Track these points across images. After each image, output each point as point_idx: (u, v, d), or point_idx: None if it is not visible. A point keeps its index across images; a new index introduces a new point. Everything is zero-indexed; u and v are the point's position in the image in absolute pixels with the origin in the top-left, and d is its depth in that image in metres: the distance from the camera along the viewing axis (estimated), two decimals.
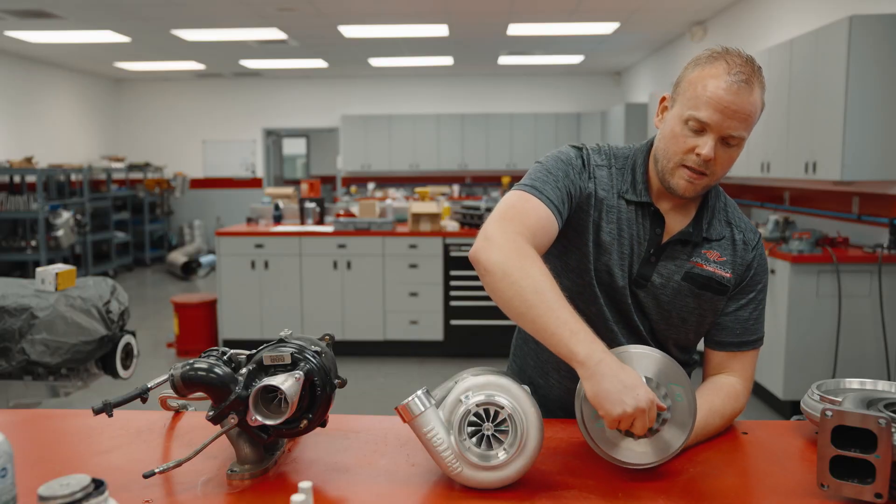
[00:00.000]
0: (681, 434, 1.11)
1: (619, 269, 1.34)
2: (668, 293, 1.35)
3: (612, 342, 1.35)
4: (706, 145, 1.22)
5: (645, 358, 1.12)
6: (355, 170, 11.16)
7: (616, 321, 1.37)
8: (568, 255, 1.37)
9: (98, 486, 0.82)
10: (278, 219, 6.10)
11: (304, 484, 0.95)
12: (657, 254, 1.34)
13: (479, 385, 1.08)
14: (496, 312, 5.43)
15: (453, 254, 5.38)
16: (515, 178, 10.82)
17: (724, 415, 1.30)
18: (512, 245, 1.16)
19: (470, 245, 5.25)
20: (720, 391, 1.33)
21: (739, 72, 1.20)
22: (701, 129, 1.23)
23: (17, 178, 8.67)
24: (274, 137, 12.86)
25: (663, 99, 1.33)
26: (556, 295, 1.12)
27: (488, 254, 1.16)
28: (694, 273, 1.34)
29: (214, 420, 1.07)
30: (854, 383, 1.34)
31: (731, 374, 1.38)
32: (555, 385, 1.45)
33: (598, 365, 1.06)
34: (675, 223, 1.36)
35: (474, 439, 1.06)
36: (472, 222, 5.58)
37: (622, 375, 1.06)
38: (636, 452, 1.10)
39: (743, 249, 1.37)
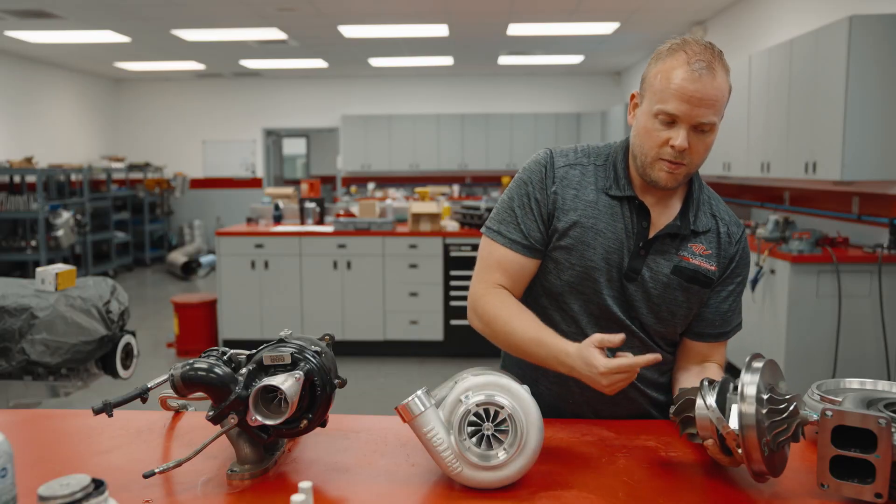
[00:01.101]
0: None
1: (604, 264, 1.35)
2: (658, 287, 1.36)
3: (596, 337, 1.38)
4: (679, 136, 1.24)
5: (765, 370, 1.09)
6: (355, 170, 11.16)
7: (603, 316, 1.38)
8: (545, 258, 1.41)
9: (98, 486, 0.82)
10: (278, 219, 6.10)
11: (304, 484, 0.95)
12: (646, 247, 1.36)
13: (479, 385, 1.08)
14: None
15: (453, 254, 5.38)
16: None
17: None
18: (479, 311, 1.40)
19: (470, 245, 5.25)
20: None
21: (699, 59, 1.22)
22: (671, 120, 1.25)
23: (17, 178, 8.67)
24: (274, 137, 12.86)
25: (633, 96, 1.35)
26: (523, 327, 1.33)
27: (471, 317, 1.44)
28: (682, 266, 1.36)
29: (214, 420, 1.07)
30: (854, 383, 1.34)
31: (712, 363, 1.42)
32: (545, 392, 1.45)
33: (582, 370, 1.22)
34: (661, 217, 1.38)
35: (474, 439, 1.06)
36: (472, 222, 5.58)
37: (587, 371, 1.21)
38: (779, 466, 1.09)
39: (727, 243, 1.39)
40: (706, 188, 1.43)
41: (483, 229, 1.45)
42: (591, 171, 1.39)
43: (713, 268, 1.36)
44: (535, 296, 1.45)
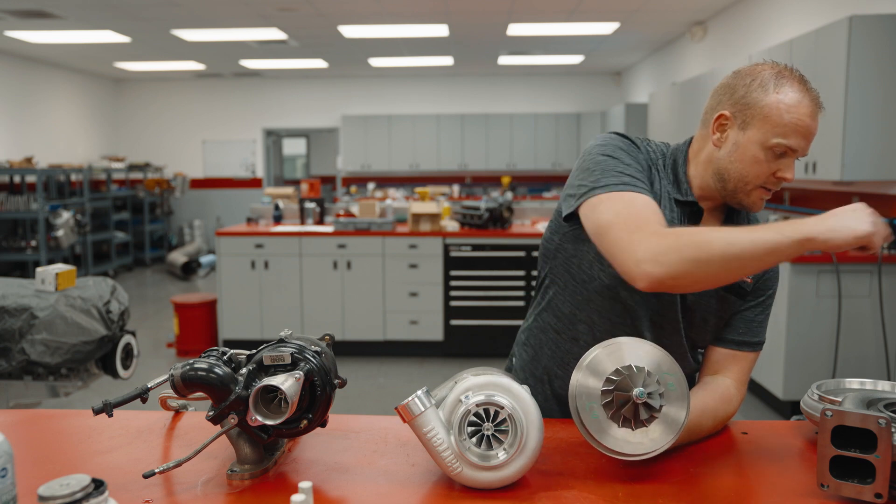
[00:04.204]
0: (673, 426, 1.11)
1: None
2: (694, 293, 1.35)
3: (648, 335, 1.36)
4: (789, 169, 1.26)
5: (638, 348, 1.12)
6: (355, 170, 11.16)
7: (646, 316, 1.36)
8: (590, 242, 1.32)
9: (98, 486, 0.82)
10: (278, 219, 6.10)
11: (304, 484, 0.95)
12: None
13: (479, 385, 1.08)
14: (496, 312, 5.44)
15: (453, 254, 5.38)
16: (516, 178, 10.83)
17: (716, 417, 1.30)
18: (668, 241, 1.13)
19: (470, 245, 5.19)
20: (714, 393, 1.33)
21: (813, 94, 1.25)
22: (784, 153, 1.26)
23: (17, 178, 8.67)
24: (274, 137, 12.86)
25: (722, 116, 1.30)
26: (739, 231, 1.13)
27: (662, 266, 1.12)
28: None
29: (214, 420, 1.07)
30: (854, 383, 1.33)
31: (726, 377, 1.38)
32: (558, 389, 1.44)
33: (822, 219, 1.10)
34: (705, 225, 1.39)
35: (474, 439, 1.06)
36: (472, 222, 5.58)
37: (843, 208, 1.12)
38: (630, 443, 1.10)
39: None
40: None
41: (592, 190, 1.24)
42: (659, 167, 1.38)
43: (749, 280, 1.37)
44: (587, 290, 1.38)
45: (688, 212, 1.37)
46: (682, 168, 1.37)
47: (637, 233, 1.15)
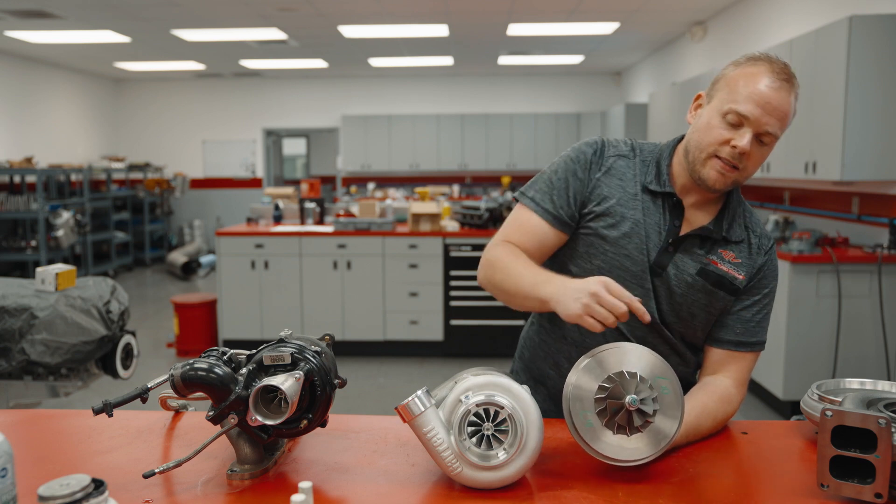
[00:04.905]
0: (668, 430, 1.11)
1: (638, 255, 1.36)
2: (681, 286, 1.36)
3: (623, 329, 1.38)
4: (744, 138, 1.26)
5: (629, 353, 1.12)
6: (355, 170, 11.16)
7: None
8: (575, 242, 1.42)
9: (98, 486, 0.82)
10: (278, 219, 6.10)
11: (304, 484, 0.95)
12: (675, 244, 1.37)
13: (479, 385, 1.08)
14: (496, 312, 5.44)
15: (453, 254, 5.38)
16: (516, 178, 10.82)
17: (715, 417, 1.30)
18: (487, 259, 1.41)
19: (470, 245, 5.23)
20: (713, 393, 1.33)
21: (782, 71, 1.25)
22: (739, 122, 1.26)
23: (17, 178, 8.67)
24: (274, 137, 12.85)
25: (698, 96, 1.37)
26: (520, 268, 1.32)
27: (479, 273, 1.43)
28: (709, 270, 1.36)
29: (214, 420, 1.07)
30: (854, 383, 1.33)
31: (725, 377, 1.38)
32: (566, 375, 1.45)
33: (557, 289, 1.21)
34: (696, 219, 1.39)
35: (474, 439, 1.06)
36: (472, 222, 5.58)
37: (569, 283, 1.21)
38: (626, 449, 1.10)
39: (757, 253, 1.40)
40: (744, 203, 1.44)
41: (517, 194, 1.46)
42: (637, 164, 1.41)
43: (741, 276, 1.37)
44: None
45: (668, 204, 1.38)
46: (664, 161, 1.40)
47: (493, 238, 1.45)
